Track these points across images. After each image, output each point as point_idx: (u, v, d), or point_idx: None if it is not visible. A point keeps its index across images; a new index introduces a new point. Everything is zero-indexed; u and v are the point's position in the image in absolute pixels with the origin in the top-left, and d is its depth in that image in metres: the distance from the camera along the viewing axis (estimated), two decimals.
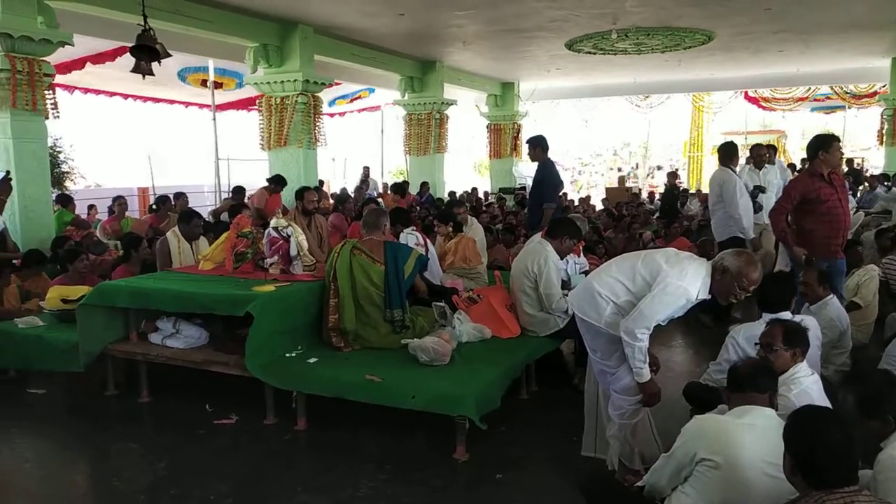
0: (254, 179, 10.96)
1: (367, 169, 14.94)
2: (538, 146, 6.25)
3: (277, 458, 3.60)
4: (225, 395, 4.32)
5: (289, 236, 4.50)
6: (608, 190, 17.06)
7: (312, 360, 3.96)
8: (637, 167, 23.60)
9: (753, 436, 2.23)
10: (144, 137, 18.53)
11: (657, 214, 10.85)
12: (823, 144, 4.78)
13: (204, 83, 11.42)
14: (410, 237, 5.23)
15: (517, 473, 3.39)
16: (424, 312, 4.44)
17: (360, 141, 20.20)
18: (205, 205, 12.32)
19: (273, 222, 4.60)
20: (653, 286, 2.97)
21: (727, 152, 6.18)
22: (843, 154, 4.96)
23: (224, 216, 7.47)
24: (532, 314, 4.43)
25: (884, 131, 12.64)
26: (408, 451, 3.62)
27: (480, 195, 14.27)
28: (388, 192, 13.14)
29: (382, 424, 3.92)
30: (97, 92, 11.60)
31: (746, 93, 18.05)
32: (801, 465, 1.83)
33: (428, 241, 5.41)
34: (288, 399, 3.92)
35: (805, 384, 2.80)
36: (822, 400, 2.73)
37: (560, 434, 3.84)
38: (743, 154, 8.24)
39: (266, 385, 3.94)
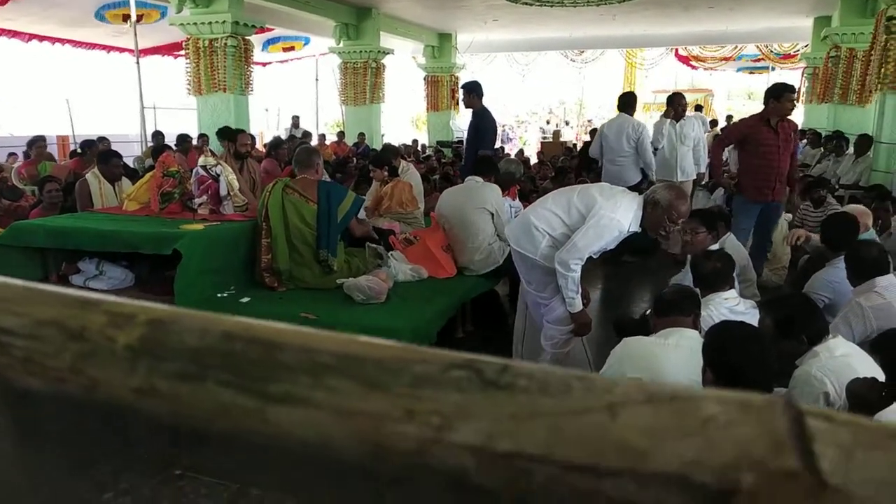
0: (182, 128, 10.50)
1: (296, 118, 14.54)
2: (473, 92, 6.15)
3: None
4: None
5: (218, 175, 4.34)
6: (543, 144, 17.25)
7: (245, 300, 3.89)
8: (568, 124, 23.90)
9: (678, 355, 2.33)
10: (64, 84, 17.46)
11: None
12: (775, 93, 5.04)
13: (125, 18, 10.74)
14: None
15: None
16: (360, 253, 4.40)
17: (295, 92, 19.62)
18: (130, 155, 11.78)
19: (201, 160, 4.42)
20: (587, 219, 3.03)
21: (626, 101, 6.52)
22: (793, 105, 5.16)
23: (148, 162, 7.15)
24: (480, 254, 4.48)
25: (804, 89, 13.17)
26: None
27: (419, 148, 14.17)
28: (325, 142, 12.90)
29: None
30: (11, 34, 10.81)
31: (677, 51, 18.45)
32: (719, 376, 1.93)
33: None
34: None
35: (728, 306, 2.93)
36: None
37: None
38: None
39: None
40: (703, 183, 7.51)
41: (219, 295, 3.94)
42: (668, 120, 6.56)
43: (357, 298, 3.82)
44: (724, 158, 6.74)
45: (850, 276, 3.12)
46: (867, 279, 3.04)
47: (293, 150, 5.68)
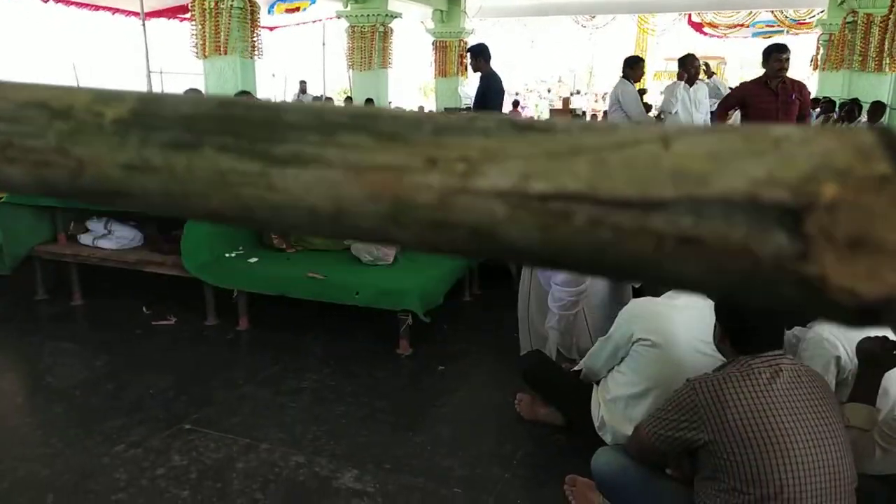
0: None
1: (303, 83, 14.41)
2: (480, 55, 5.99)
3: (219, 355, 3.58)
4: (162, 298, 4.22)
5: None
6: (552, 111, 17.06)
7: (253, 260, 3.89)
8: (578, 92, 23.60)
9: (685, 316, 2.33)
10: (70, 48, 17.30)
11: None
12: (766, 53, 4.95)
13: None
14: None
15: (459, 366, 3.46)
16: None
17: (302, 58, 19.39)
18: None
19: None
20: None
21: (629, 63, 6.15)
22: (781, 65, 4.99)
23: None
24: None
25: (819, 56, 12.92)
26: (351, 349, 3.65)
27: None
28: None
29: (325, 325, 3.93)
30: None
31: (690, 17, 18.09)
32: (730, 332, 1.91)
33: None
34: (228, 301, 3.87)
35: None
36: None
37: (502, 331, 3.93)
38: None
39: (206, 286, 3.86)
40: None
41: (227, 255, 3.94)
42: (682, 84, 6.21)
43: (364, 259, 3.81)
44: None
45: None
46: None
47: None
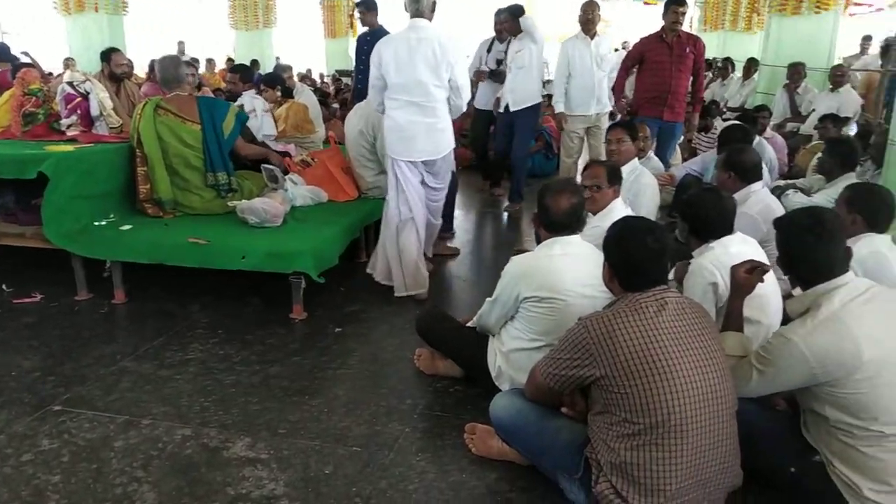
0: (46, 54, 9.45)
1: (181, 44, 13.49)
2: (368, 9, 5.57)
3: (92, 331, 3.29)
4: (25, 273, 3.84)
5: (87, 93, 3.93)
6: None
7: (126, 228, 3.59)
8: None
9: (566, 264, 2.35)
10: None
11: None
12: (665, 5, 5.09)
13: None
14: (257, 101, 4.86)
15: (356, 326, 3.37)
16: (253, 177, 4.15)
17: (180, 16, 18.15)
18: None
19: (67, 76, 3.98)
20: None
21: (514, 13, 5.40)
22: (676, 18, 5.04)
23: None
24: (371, 179, 4.32)
25: (696, 18, 13.50)
26: (241, 316, 3.47)
27: (315, 76, 13.56)
28: (215, 70, 12.08)
29: (212, 292, 3.72)
30: None
31: None
32: (618, 270, 1.93)
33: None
34: (101, 272, 3.57)
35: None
36: None
37: None
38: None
39: (74, 257, 3.54)
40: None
41: (96, 223, 3.61)
42: (584, 36, 5.40)
43: (251, 222, 3.62)
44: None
45: (734, 180, 3.24)
46: (748, 184, 3.20)
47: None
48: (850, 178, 3.94)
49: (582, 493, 1.91)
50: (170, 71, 3.87)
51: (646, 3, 21.82)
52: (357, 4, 5.85)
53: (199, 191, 3.86)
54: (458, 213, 5.62)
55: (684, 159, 5.99)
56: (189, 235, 3.42)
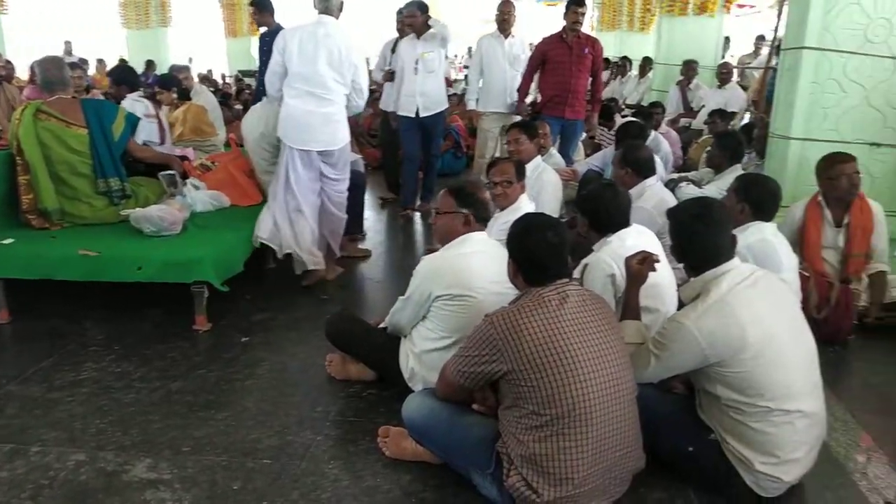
0: None
1: (68, 44, 12.71)
2: (263, 9, 5.20)
3: None
4: None
5: None
6: None
7: (8, 241, 3.33)
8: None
9: (476, 262, 2.37)
10: None
11: None
12: (566, 6, 5.20)
13: None
14: (138, 105, 4.58)
15: (264, 334, 3.28)
16: (148, 183, 3.95)
17: (67, 15, 17.08)
18: None
19: None
20: None
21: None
22: (576, 18, 5.15)
23: None
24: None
25: (595, 19, 14.00)
26: (140, 331, 3.29)
27: (217, 77, 13.11)
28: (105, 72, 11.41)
29: (107, 307, 3.52)
30: None
31: None
32: (521, 265, 1.97)
33: (159, 111, 4.82)
34: None
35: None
36: None
37: (309, 295, 3.80)
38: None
39: None
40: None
41: None
42: (499, 35, 5.49)
43: (147, 230, 3.44)
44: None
45: (631, 175, 3.38)
46: (643, 178, 3.35)
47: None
48: (737, 170, 4.18)
49: (494, 488, 1.93)
50: (51, 73, 3.62)
51: (548, 5, 22.46)
52: (250, 4, 5.52)
53: (88, 199, 3.63)
54: (368, 215, 5.57)
55: (588, 155, 6.19)
56: (79, 247, 3.22)
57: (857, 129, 3.80)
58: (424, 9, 5.15)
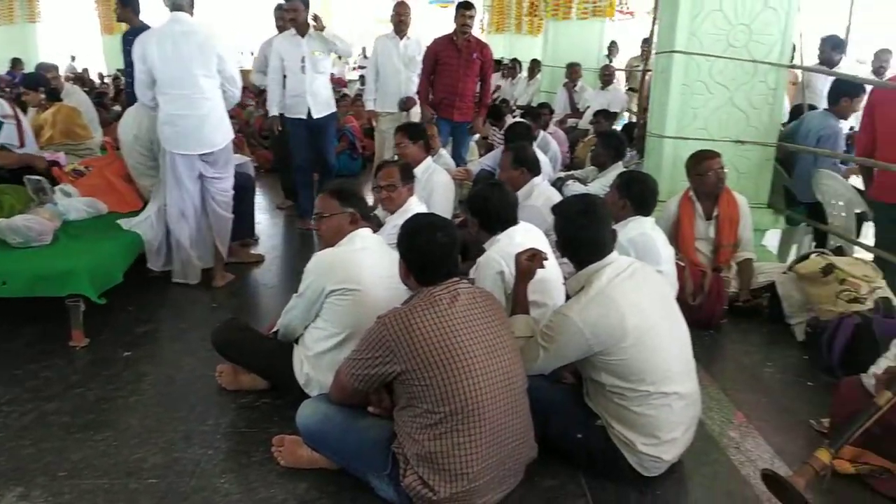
0: None
1: None
2: (126, 5, 4.62)
3: None
4: None
5: None
6: None
7: None
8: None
9: (368, 258, 2.37)
10: None
11: None
12: (456, 8, 5.24)
13: None
14: None
15: (148, 347, 3.11)
16: (14, 191, 3.64)
17: None
18: None
19: None
20: None
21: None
22: (465, 21, 5.20)
23: None
24: (153, 187, 4.00)
25: (484, 21, 14.26)
26: (9, 350, 3.04)
27: (94, 76, 12.32)
28: None
29: None
30: None
31: None
32: (412, 266, 1.98)
33: (19, 111, 4.44)
34: None
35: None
36: None
37: (196, 303, 3.65)
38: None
39: None
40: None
41: None
42: (394, 36, 5.51)
43: (13, 242, 3.18)
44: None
45: (524, 174, 3.48)
46: (532, 177, 3.47)
47: None
48: (620, 168, 4.41)
49: (391, 489, 1.93)
50: None
51: (441, 7, 22.69)
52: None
53: None
54: (262, 218, 5.43)
55: (481, 155, 6.31)
56: None
57: (723, 127, 4.09)
58: (307, 3, 4.84)
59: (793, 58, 4.13)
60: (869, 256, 3.56)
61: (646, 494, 2.09)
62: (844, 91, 4.13)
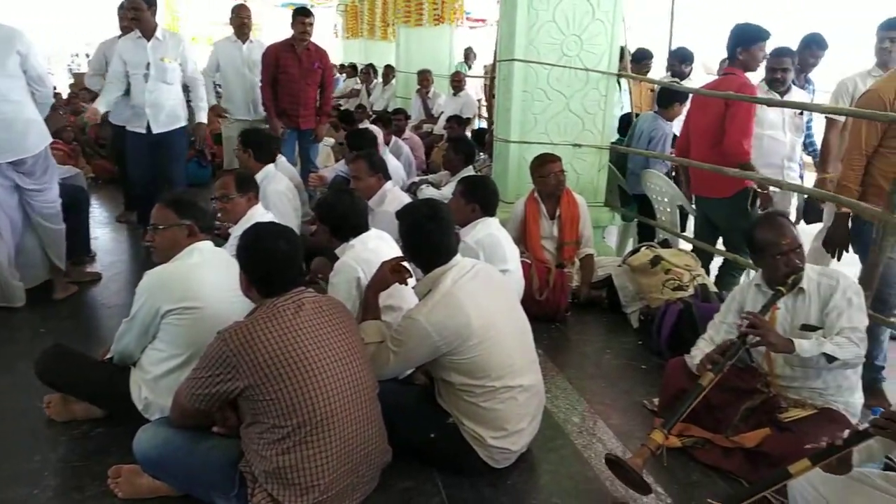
0: None
1: None
2: None
3: None
4: None
5: None
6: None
7: None
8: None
9: (207, 273, 2.26)
10: None
11: None
12: (292, 15, 5.18)
13: None
14: None
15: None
16: None
17: None
18: None
19: None
20: None
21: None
22: (304, 28, 5.12)
23: None
24: None
25: (339, 26, 14.17)
26: None
27: None
28: None
29: None
30: None
31: None
32: (254, 277, 1.92)
33: None
34: None
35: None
36: None
37: (24, 329, 3.32)
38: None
39: None
40: None
41: None
42: (236, 40, 5.43)
43: None
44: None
45: (379, 179, 3.52)
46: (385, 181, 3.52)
47: None
48: (471, 171, 4.55)
49: None
50: None
51: (293, 9, 22.26)
52: None
53: None
54: (100, 233, 5.05)
55: (337, 160, 6.26)
56: None
57: (562, 132, 4.35)
58: (151, 2, 4.43)
59: (620, 66, 4.47)
60: (689, 247, 3.95)
61: (498, 487, 2.17)
62: (678, 97, 4.51)
